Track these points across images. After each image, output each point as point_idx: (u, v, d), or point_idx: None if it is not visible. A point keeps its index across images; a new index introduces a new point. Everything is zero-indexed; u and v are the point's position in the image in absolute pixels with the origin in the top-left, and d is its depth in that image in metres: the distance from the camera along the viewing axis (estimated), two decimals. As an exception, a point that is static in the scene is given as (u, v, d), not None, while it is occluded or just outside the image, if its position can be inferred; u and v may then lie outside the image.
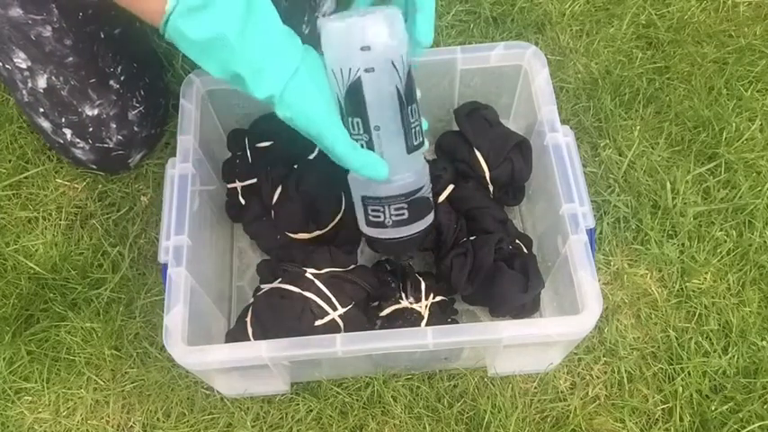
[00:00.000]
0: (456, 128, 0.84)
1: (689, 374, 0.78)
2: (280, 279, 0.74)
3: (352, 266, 0.76)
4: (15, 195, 0.91)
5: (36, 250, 0.87)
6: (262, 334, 0.71)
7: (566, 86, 0.97)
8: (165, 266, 0.68)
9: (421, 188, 0.66)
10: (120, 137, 0.84)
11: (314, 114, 0.59)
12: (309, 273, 0.73)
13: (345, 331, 0.71)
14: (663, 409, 0.77)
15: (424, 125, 0.65)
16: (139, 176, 0.91)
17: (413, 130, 0.63)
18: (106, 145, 0.84)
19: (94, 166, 0.88)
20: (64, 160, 0.91)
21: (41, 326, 0.82)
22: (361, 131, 0.61)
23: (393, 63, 0.59)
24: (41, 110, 0.82)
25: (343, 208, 0.79)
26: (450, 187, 0.80)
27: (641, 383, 0.78)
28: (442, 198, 0.79)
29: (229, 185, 0.83)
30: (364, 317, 0.74)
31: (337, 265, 0.75)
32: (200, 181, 0.75)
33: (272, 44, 0.57)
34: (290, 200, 0.77)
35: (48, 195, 0.91)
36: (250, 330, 0.72)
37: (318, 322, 0.70)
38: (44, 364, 0.80)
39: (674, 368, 0.78)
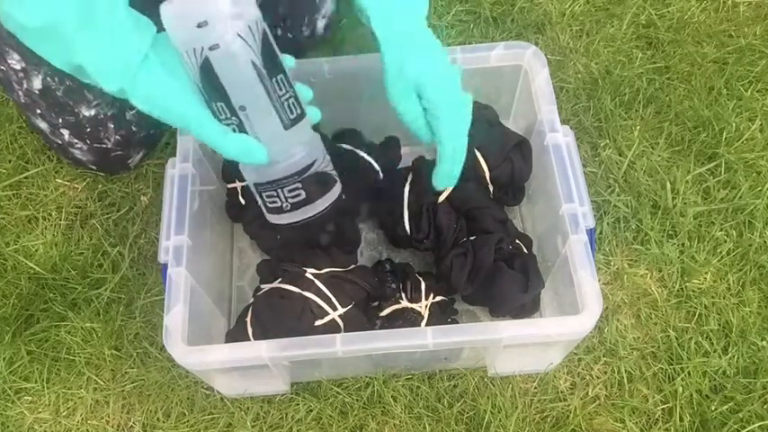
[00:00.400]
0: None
1: (689, 374, 0.78)
2: (280, 279, 0.74)
3: (352, 266, 0.76)
4: (15, 195, 0.91)
5: (36, 250, 0.87)
6: (262, 334, 0.71)
7: (566, 86, 0.97)
8: (165, 266, 0.68)
9: (312, 163, 0.61)
10: (118, 137, 0.84)
11: (172, 104, 0.54)
12: (309, 273, 0.73)
13: (345, 331, 0.71)
14: (663, 409, 0.77)
15: (306, 93, 0.60)
16: (139, 176, 0.91)
17: (285, 104, 0.57)
18: (105, 145, 0.84)
19: (94, 167, 0.88)
20: (64, 161, 0.91)
21: (41, 326, 0.82)
22: (228, 115, 0.56)
23: (240, 35, 0.52)
24: (38, 111, 0.82)
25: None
26: (450, 188, 0.80)
27: (641, 383, 0.78)
28: (441, 198, 0.79)
29: (229, 185, 0.83)
30: (364, 317, 0.74)
31: (337, 266, 0.75)
32: (200, 181, 0.75)
33: (116, 31, 0.52)
34: None
35: (48, 195, 0.91)
36: (250, 330, 0.72)
37: (318, 322, 0.70)
38: (44, 364, 0.80)
39: (674, 368, 0.78)
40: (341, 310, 0.71)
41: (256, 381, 0.75)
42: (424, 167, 0.82)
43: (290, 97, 0.58)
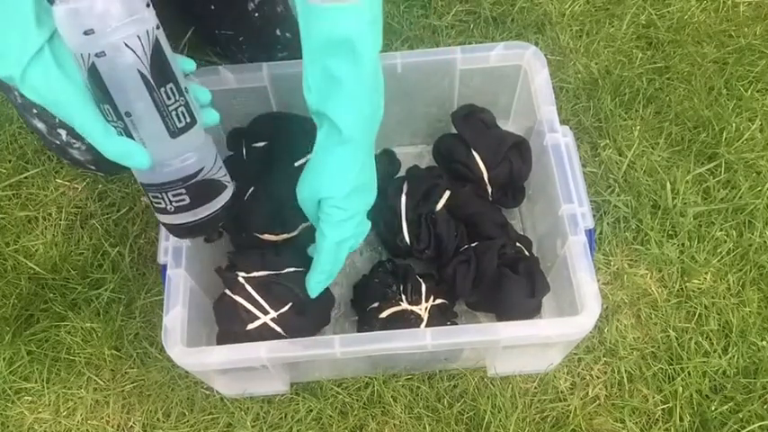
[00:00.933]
0: (455, 130, 0.83)
1: (689, 374, 0.78)
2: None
3: (290, 270, 0.75)
4: (15, 195, 0.91)
5: (36, 250, 0.87)
6: (217, 340, 0.71)
7: (565, 86, 0.97)
8: (165, 267, 0.68)
9: (200, 171, 0.60)
10: None
11: (61, 99, 0.54)
12: (241, 276, 0.73)
13: (287, 336, 0.70)
14: (663, 410, 0.77)
15: (204, 96, 0.61)
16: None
17: (173, 113, 0.57)
18: None
19: (93, 167, 0.88)
20: (63, 161, 0.91)
21: (41, 326, 0.82)
22: (114, 118, 0.56)
23: (127, 44, 0.53)
24: (34, 110, 0.81)
25: None
26: (447, 194, 0.80)
27: (641, 383, 0.78)
28: (439, 206, 0.79)
29: (228, 185, 0.83)
30: (307, 320, 0.73)
31: (269, 268, 0.74)
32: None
33: (15, 16, 0.51)
34: (257, 200, 0.77)
35: (48, 195, 0.91)
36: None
37: (250, 326, 0.70)
38: (44, 365, 0.80)
39: (674, 368, 0.78)
40: (273, 314, 0.71)
41: (256, 381, 0.75)
42: (419, 176, 0.82)
43: (179, 106, 0.58)
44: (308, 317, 0.73)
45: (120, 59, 0.53)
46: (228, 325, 0.71)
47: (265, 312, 0.71)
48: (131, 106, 0.55)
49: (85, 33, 0.52)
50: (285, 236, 0.78)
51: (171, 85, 0.57)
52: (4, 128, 0.95)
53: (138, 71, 0.54)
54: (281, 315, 0.71)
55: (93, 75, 0.53)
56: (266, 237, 0.78)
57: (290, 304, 0.72)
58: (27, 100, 0.79)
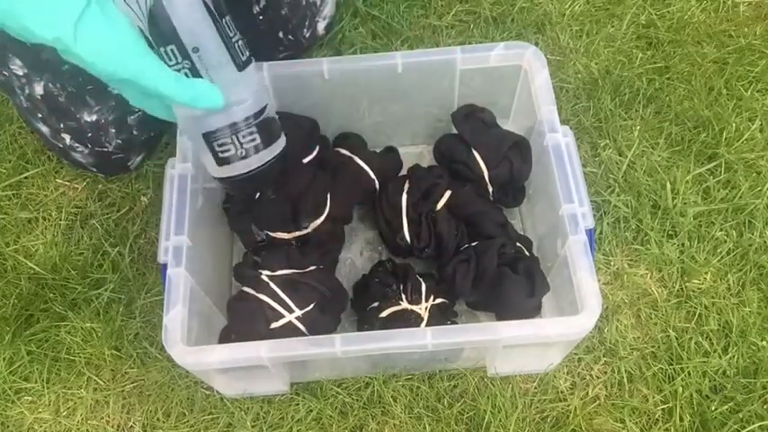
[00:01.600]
0: (455, 131, 0.84)
1: (689, 374, 0.78)
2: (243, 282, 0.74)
3: (312, 268, 0.76)
4: (15, 195, 0.91)
5: (36, 250, 0.87)
6: (236, 338, 0.71)
7: (565, 86, 0.97)
8: (165, 267, 0.68)
9: (265, 107, 0.59)
10: (119, 141, 0.84)
11: (121, 52, 0.49)
12: (264, 275, 0.73)
13: (310, 334, 0.71)
14: (663, 410, 0.77)
15: None
16: (139, 176, 0.91)
17: (236, 45, 0.56)
18: (105, 149, 0.84)
19: (94, 169, 0.89)
20: (64, 162, 0.91)
21: (41, 326, 0.82)
22: (180, 59, 0.53)
23: None
24: (39, 115, 0.82)
25: (326, 211, 0.79)
26: (448, 194, 0.80)
27: (641, 383, 0.78)
28: (440, 205, 0.79)
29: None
30: (329, 318, 0.74)
31: (294, 267, 0.75)
32: (200, 180, 0.75)
33: None
34: (269, 199, 0.77)
35: (48, 195, 0.91)
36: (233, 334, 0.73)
37: (274, 325, 0.70)
38: (44, 365, 0.80)
39: (673, 368, 0.78)
40: (298, 312, 0.71)
41: (256, 381, 0.75)
42: (420, 176, 0.82)
43: (238, 39, 0.56)
44: (329, 315, 0.74)
45: None
46: (250, 324, 0.71)
47: (290, 311, 0.71)
48: (200, 40, 0.53)
49: None
50: (297, 234, 0.78)
51: (228, 17, 0.55)
52: (4, 128, 0.94)
53: (203, 1, 0.52)
54: (306, 313, 0.71)
55: (157, 12, 0.51)
56: (279, 235, 0.78)
57: (315, 303, 0.72)
58: (35, 104, 0.79)
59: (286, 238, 0.78)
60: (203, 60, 0.54)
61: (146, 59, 0.51)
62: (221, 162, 0.60)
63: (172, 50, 0.53)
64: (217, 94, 0.54)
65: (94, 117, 0.81)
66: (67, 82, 0.78)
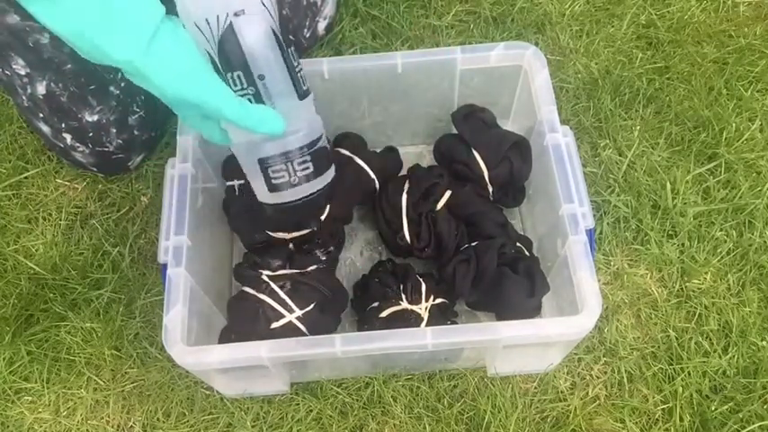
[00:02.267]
0: (455, 131, 0.84)
1: (689, 374, 0.78)
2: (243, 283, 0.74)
3: (313, 268, 0.76)
4: (15, 195, 0.91)
5: (36, 250, 0.87)
6: (236, 338, 0.71)
7: (566, 86, 0.97)
8: (165, 267, 0.68)
9: (320, 137, 0.61)
10: (119, 141, 0.84)
11: (190, 75, 0.51)
12: (265, 275, 0.73)
13: (310, 334, 0.71)
14: (663, 410, 0.77)
15: None
16: (139, 177, 0.91)
17: (299, 74, 0.58)
18: (106, 149, 0.84)
19: (95, 169, 0.89)
20: (64, 162, 0.91)
21: (41, 326, 0.82)
22: (245, 85, 0.55)
23: (263, 2, 0.54)
24: (41, 115, 0.82)
25: (326, 211, 0.79)
26: (448, 194, 0.80)
27: (641, 383, 0.78)
28: (440, 205, 0.79)
29: (228, 183, 0.83)
30: (329, 318, 0.74)
31: (294, 267, 0.75)
32: (200, 180, 0.75)
33: None
34: None
35: (48, 195, 0.91)
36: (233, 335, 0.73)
37: (274, 325, 0.70)
38: (44, 365, 0.80)
39: (673, 368, 0.78)
40: (298, 312, 0.71)
41: (256, 381, 0.75)
42: (420, 175, 0.82)
43: (300, 69, 0.58)
44: (329, 315, 0.74)
45: (259, 17, 0.53)
46: (250, 324, 0.71)
47: (291, 311, 0.71)
48: (266, 69, 0.55)
49: None
50: (297, 234, 0.78)
51: (293, 48, 0.57)
52: (4, 128, 0.94)
53: (272, 30, 0.54)
54: (306, 313, 0.71)
55: (228, 38, 0.53)
56: (279, 235, 0.78)
57: (315, 303, 0.72)
58: (36, 104, 0.79)
59: (286, 238, 0.78)
60: (268, 88, 0.55)
61: (213, 84, 0.52)
62: (273, 188, 0.62)
63: (238, 76, 0.54)
64: (279, 120, 0.56)
65: (96, 117, 0.81)
66: (70, 82, 0.78)
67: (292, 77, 0.57)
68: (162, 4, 0.50)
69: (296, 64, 0.57)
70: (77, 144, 0.84)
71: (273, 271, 0.74)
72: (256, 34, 0.54)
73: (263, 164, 0.60)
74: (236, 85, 0.55)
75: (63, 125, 0.82)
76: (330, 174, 0.64)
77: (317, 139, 0.61)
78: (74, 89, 0.79)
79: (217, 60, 0.54)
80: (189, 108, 0.54)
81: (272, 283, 0.72)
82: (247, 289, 0.73)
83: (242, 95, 0.55)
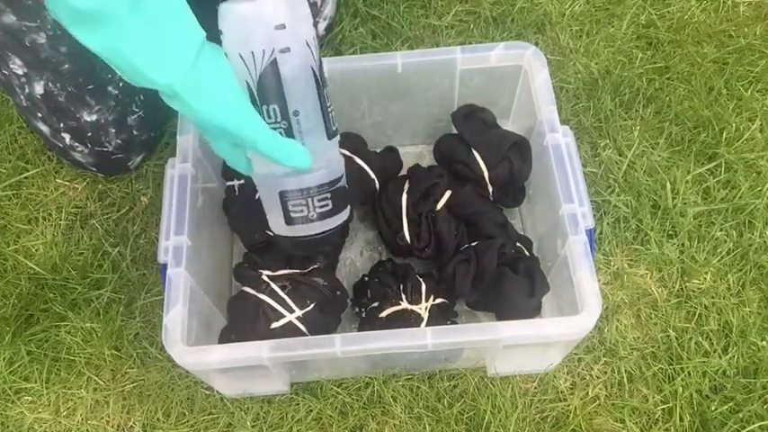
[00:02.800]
0: (455, 131, 0.84)
1: (689, 374, 0.78)
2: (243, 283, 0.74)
3: (312, 268, 0.76)
4: (15, 195, 0.91)
5: (36, 250, 0.87)
6: (235, 338, 0.71)
7: (566, 87, 0.97)
8: (165, 267, 0.68)
9: (341, 176, 0.64)
10: (119, 141, 0.84)
11: (228, 103, 0.51)
12: (265, 275, 0.73)
13: (310, 334, 0.71)
14: (663, 410, 0.77)
15: None
16: (139, 177, 0.91)
17: (330, 115, 0.60)
18: (105, 149, 0.84)
19: (94, 169, 0.89)
20: (63, 162, 0.91)
21: (41, 326, 0.82)
22: (279, 119, 0.56)
23: (307, 43, 0.55)
24: (39, 114, 0.82)
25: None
26: (448, 194, 0.80)
27: (641, 383, 0.78)
28: (440, 205, 0.79)
29: (228, 183, 0.83)
30: (331, 318, 0.74)
31: (294, 267, 0.75)
32: (200, 180, 0.75)
33: (172, 20, 0.48)
34: None
35: (48, 196, 0.91)
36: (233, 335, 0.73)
37: (274, 325, 0.70)
38: (44, 365, 0.80)
39: (674, 368, 0.78)
40: (298, 312, 0.71)
41: (256, 381, 0.75)
42: (420, 175, 0.82)
43: (332, 110, 0.60)
44: (329, 315, 0.74)
45: (302, 55, 0.55)
46: (250, 324, 0.71)
47: (291, 311, 0.71)
48: (302, 105, 0.56)
49: (276, 28, 0.53)
50: None
51: (328, 88, 0.59)
52: (4, 128, 0.95)
53: (312, 69, 0.56)
54: (306, 313, 0.71)
55: (270, 72, 0.54)
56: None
57: (315, 303, 0.72)
58: (35, 103, 0.79)
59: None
60: (300, 124, 0.57)
61: (250, 114, 0.53)
62: (290, 221, 0.63)
63: (274, 110, 0.56)
64: (307, 156, 0.57)
65: (95, 117, 0.81)
66: (68, 82, 0.78)
67: (324, 117, 0.59)
68: (202, 29, 0.50)
69: (328, 104, 0.59)
70: (76, 144, 0.84)
71: (274, 271, 0.74)
72: (298, 72, 0.55)
73: (283, 197, 0.62)
74: (269, 118, 0.56)
75: (61, 125, 0.82)
76: (346, 213, 0.66)
77: (338, 178, 0.63)
78: (72, 89, 0.79)
79: (255, 91, 0.55)
80: (221, 134, 0.54)
81: (272, 283, 0.72)
82: (247, 289, 0.73)
83: (274, 128, 0.56)
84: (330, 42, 0.99)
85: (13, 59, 0.77)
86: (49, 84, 0.78)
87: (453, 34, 1.01)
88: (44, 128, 0.83)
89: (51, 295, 0.84)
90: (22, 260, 0.86)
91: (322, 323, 0.72)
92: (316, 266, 0.76)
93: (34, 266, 0.85)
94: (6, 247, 0.87)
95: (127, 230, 0.88)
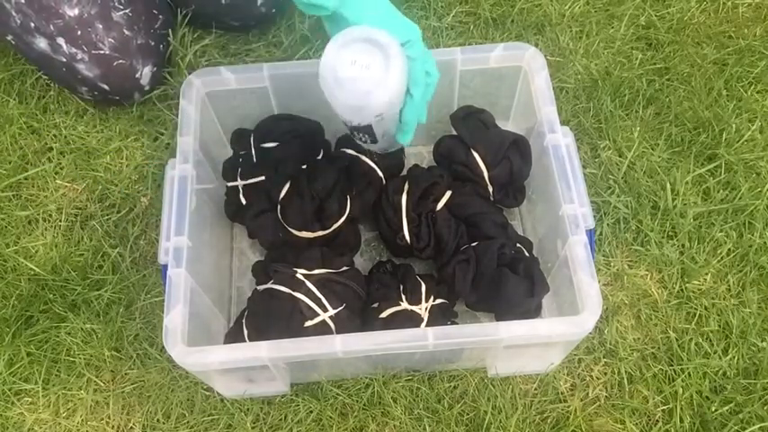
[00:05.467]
0: (455, 132, 0.84)
1: (689, 375, 0.78)
2: (273, 280, 0.74)
3: (345, 269, 0.76)
4: (15, 196, 0.91)
5: (36, 251, 0.87)
6: (255, 335, 0.71)
7: (565, 87, 0.97)
8: (165, 267, 0.68)
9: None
10: (111, 39, 0.86)
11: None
12: (300, 274, 0.73)
13: (338, 333, 0.71)
14: (663, 411, 0.77)
15: None
16: (140, 178, 0.91)
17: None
18: (102, 51, 0.86)
19: (105, 86, 0.89)
20: (77, 94, 0.93)
21: (41, 327, 0.82)
22: (368, 141, 0.69)
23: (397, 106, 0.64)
24: (32, 24, 0.84)
25: (347, 212, 0.79)
26: (448, 194, 0.80)
27: (641, 384, 0.78)
28: (440, 205, 0.79)
29: (229, 184, 0.83)
30: (358, 319, 0.74)
31: (328, 267, 0.75)
32: (199, 181, 0.75)
33: None
34: (300, 196, 0.77)
35: (48, 196, 0.91)
36: (246, 332, 0.72)
37: (308, 323, 0.70)
38: (44, 366, 0.80)
39: (674, 369, 0.78)
40: (331, 312, 0.71)
41: (256, 382, 0.75)
42: (420, 176, 0.82)
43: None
44: (356, 315, 0.74)
45: (393, 116, 0.66)
46: (284, 321, 0.71)
47: (325, 310, 0.71)
48: (387, 130, 0.69)
49: (376, 117, 0.63)
50: (321, 233, 0.78)
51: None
52: (5, 129, 0.95)
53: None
54: (338, 313, 0.72)
55: (364, 128, 0.66)
56: (303, 234, 0.78)
57: (346, 303, 0.72)
58: (24, 12, 0.83)
59: (310, 237, 0.78)
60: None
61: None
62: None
63: (364, 137, 0.69)
64: (408, 138, 0.71)
65: (76, 11, 0.84)
66: None
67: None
68: None
69: None
70: (74, 50, 0.85)
71: (309, 270, 0.74)
72: (387, 127, 0.68)
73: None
74: (359, 138, 0.69)
75: (51, 27, 0.84)
76: None
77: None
78: None
79: (348, 129, 0.68)
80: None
81: (307, 282, 0.72)
82: (279, 287, 0.73)
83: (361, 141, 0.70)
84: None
85: None
86: None
87: (453, 35, 1.01)
88: (42, 43, 0.85)
89: (51, 296, 0.83)
90: (22, 261, 0.86)
91: (350, 323, 0.73)
92: (348, 268, 0.76)
93: (34, 267, 0.85)
94: (6, 248, 0.87)
95: (127, 231, 0.88)
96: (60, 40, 0.85)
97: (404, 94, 0.64)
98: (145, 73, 0.90)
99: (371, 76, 0.60)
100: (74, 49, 0.85)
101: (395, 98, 0.62)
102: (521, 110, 0.84)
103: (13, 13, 0.84)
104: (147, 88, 0.91)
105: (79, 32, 0.84)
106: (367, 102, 0.61)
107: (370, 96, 0.60)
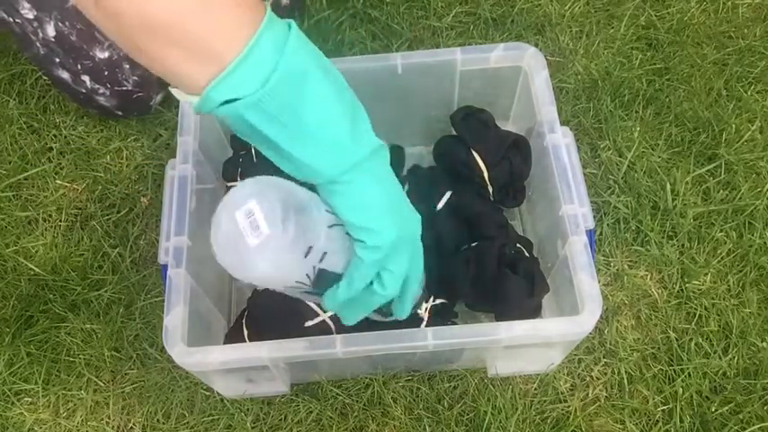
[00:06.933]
0: (455, 132, 0.84)
1: (689, 376, 0.78)
2: None
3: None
4: (15, 196, 0.91)
5: (36, 251, 0.87)
6: (256, 335, 0.71)
7: (565, 87, 0.97)
8: (165, 267, 0.68)
9: None
10: (135, 77, 0.87)
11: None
12: None
13: (337, 333, 0.71)
14: (663, 411, 0.77)
15: None
16: (140, 178, 0.91)
17: None
18: (125, 87, 0.87)
19: (120, 113, 0.91)
20: (91, 111, 0.94)
21: (41, 327, 0.82)
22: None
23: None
24: (57, 60, 0.85)
25: None
26: (448, 194, 0.80)
27: (641, 385, 0.78)
28: (440, 205, 0.79)
29: (229, 184, 0.83)
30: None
31: None
32: (199, 181, 0.75)
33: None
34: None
35: (48, 196, 0.91)
36: (246, 332, 0.72)
37: (308, 323, 0.70)
38: (44, 366, 0.80)
39: (674, 369, 0.78)
40: (331, 312, 0.71)
41: (256, 382, 0.75)
42: (420, 176, 0.82)
43: None
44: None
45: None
46: (284, 321, 0.71)
47: (325, 310, 0.71)
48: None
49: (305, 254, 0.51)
50: None
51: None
52: (5, 128, 0.95)
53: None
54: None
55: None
56: None
57: None
58: (51, 48, 0.84)
59: None
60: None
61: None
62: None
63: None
64: (406, 311, 0.58)
65: (107, 53, 0.84)
66: (75, 19, 0.82)
67: None
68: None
69: None
70: (97, 86, 0.87)
71: None
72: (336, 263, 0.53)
73: None
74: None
75: (79, 66, 0.85)
76: None
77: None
78: (80, 26, 0.82)
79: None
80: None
81: None
82: None
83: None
84: (331, 42, 0.99)
85: (21, 3, 0.80)
86: (59, 24, 0.82)
87: (453, 35, 1.01)
88: (65, 74, 0.86)
89: (51, 296, 0.83)
90: (22, 261, 0.86)
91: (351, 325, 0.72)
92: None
93: (34, 267, 0.85)
94: (6, 249, 0.87)
95: (127, 232, 0.88)
96: (85, 77, 0.86)
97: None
98: (158, 99, 0.92)
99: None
100: (97, 86, 0.87)
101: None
102: (521, 110, 0.84)
103: (38, 45, 0.84)
104: (154, 106, 0.93)
105: (106, 73, 0.86)
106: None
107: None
